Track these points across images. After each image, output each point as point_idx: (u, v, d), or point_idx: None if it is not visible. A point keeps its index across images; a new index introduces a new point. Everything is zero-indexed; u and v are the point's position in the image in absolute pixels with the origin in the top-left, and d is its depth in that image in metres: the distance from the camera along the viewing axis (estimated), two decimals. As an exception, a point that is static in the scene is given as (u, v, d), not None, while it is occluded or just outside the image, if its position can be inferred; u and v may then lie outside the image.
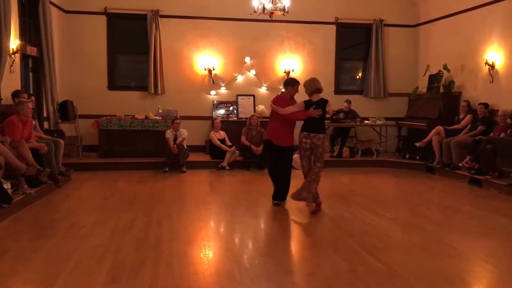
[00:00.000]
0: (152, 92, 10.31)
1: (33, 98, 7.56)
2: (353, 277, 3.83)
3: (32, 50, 8.47)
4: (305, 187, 5.88)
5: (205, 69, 10.63)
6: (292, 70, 10.89)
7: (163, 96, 10.48)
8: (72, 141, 9.39)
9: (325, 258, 4.28)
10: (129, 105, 10.32)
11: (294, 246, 4.88)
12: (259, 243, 4.85)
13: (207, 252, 4.43)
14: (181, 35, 10.57)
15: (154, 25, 10.22)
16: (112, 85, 10.49)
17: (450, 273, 3.95)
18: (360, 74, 11.74)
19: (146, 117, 9.79)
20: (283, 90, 6.71)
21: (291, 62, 10.94)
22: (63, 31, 9.93)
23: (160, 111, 10.10)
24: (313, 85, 6.03)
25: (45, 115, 8.94)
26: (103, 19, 10.30)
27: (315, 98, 5.99)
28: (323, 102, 5.97)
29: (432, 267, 4.08)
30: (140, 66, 10.59)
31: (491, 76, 8.92)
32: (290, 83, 6.41)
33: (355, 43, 11.76)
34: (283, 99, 6.37)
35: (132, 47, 10.83)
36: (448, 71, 9.86)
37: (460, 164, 8.34)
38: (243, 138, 9.49)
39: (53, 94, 9.01)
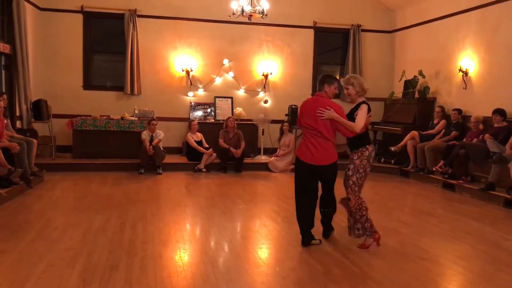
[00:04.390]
0: (129, 92, 10.19)
1: (5, 96, 7.39)
2: (328, 280, 3.84)
3: (5, 48, 8.28)
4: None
5: (183, 70, 10.56)
6: (271, 73, 10.93)
7: (140, 96, 10.36)
8: (45, 141, 9.24)
9: (300, 261, 4.29)
10: (105, 105, 10.16)
11: (270, 249, 4.87)
12: (235, 246, 4.83)
13: (182, 255, 4.39)
14: (159, 35, 10.48)
15: (131, 25, 10.10)
16: (88, 85, 10.32)
17: (423, 276, 4.01)
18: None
19: (122, 118, 9.66)
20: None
21: (269, 65, 10.96)
22: (38, 28, 9.72)
23: (136, 111, 9.98)
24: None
25: (17, 114, 8.76)
26: (79, 17, 10.12)
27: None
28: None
29: (406, 270, 4.13)
30: (117, 66, 10.45)
31: (465, 82, 9.10)
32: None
33: (333, 47, 11.86)
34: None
35: (108, 47, 10.71)
36: (423, 77, 10.02)
37: (434, 169, 8.49)
38: (221, 141, 9.46)
39: (26, 93, 8.84)
